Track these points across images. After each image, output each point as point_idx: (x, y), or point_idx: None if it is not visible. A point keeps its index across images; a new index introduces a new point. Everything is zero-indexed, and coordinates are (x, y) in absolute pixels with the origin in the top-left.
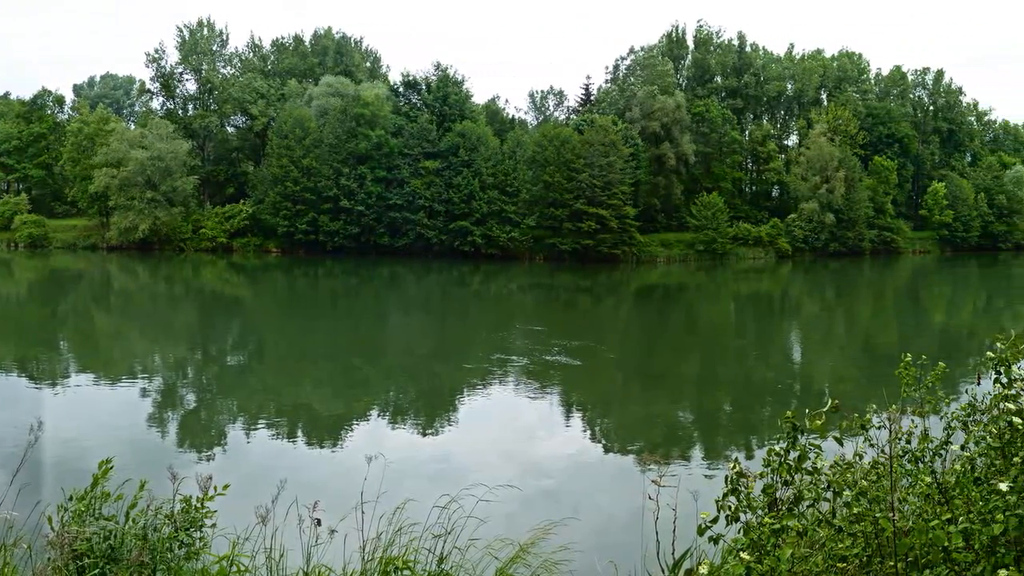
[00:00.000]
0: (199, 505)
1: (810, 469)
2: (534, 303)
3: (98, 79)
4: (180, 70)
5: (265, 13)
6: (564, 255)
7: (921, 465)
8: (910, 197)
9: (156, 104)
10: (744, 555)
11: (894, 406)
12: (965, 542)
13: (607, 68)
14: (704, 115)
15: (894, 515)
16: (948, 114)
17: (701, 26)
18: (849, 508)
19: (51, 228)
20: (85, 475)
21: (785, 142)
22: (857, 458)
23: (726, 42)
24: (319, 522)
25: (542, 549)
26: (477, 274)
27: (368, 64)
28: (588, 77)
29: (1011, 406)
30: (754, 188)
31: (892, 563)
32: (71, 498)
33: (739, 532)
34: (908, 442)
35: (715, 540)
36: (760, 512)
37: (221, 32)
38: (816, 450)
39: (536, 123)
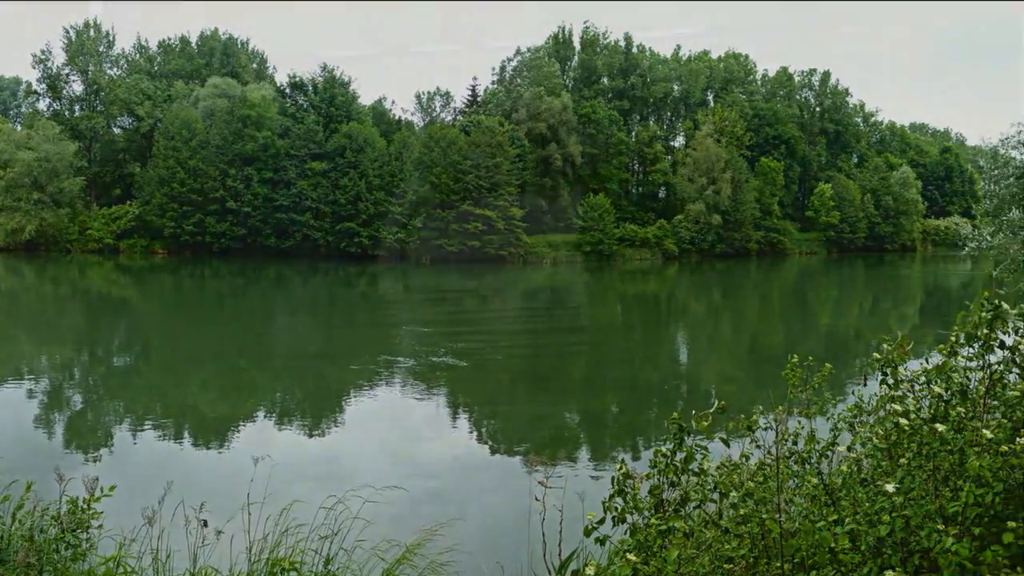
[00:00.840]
0: (85, 506)
1: (696, 470)
2: (420, 304)
3: None
4: (67, 71)
5: (152, 13)
6: (451, 256)
7: (808, 466)
8: (797, 198)
9: (43, 105)
10: (631, 556)
11: (780, 407)
12: (851, 543)
13: (494, 69)
14: (591, 116)
15: (780, 516)
16: (835, 115)
17: (587, 27)
18: (736, 509)
19: None
20: None
21: (672, 143)
22: (744, 459)
23: (612, 43)
24: (206, 523)
25: (429, 550)
26: (363, 275)
27: (255, 66)
28: (475, 78)
29: (897, 407)
30: (641, 189)
31: (779, 564)
32: None
33: (626, 533)
34: (795, 443)
35: (601, 541)
36: (647, 513)
37: (108, 33)
38: (703, 451)
39: (423, 124)
